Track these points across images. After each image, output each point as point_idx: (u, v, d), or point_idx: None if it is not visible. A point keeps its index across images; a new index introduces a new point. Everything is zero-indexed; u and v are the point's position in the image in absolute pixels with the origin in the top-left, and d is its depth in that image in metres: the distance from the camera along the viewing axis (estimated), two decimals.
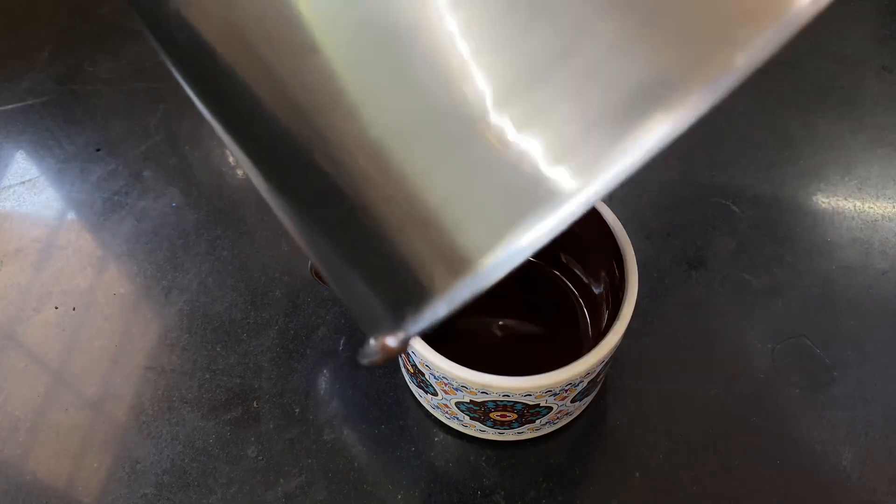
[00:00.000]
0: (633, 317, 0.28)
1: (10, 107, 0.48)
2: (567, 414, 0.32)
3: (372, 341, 0.16)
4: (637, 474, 0.32)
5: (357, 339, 0.37)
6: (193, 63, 0.17)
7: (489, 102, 0.13)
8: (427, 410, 0.34)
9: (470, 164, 0.13)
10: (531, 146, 0.12)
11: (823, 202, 0.42)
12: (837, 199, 0.42)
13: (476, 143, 0.13)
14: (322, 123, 0.14)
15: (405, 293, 0.15)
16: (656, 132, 0.12)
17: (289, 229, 0.19)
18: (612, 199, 0.32)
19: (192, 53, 0.16)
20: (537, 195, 0.12)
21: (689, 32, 0.12)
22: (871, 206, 0.41)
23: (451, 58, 0.13)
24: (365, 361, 0.17)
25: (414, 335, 0.15)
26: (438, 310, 0.14)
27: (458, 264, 0.13)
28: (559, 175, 0.12)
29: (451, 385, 0.28)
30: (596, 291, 0.34)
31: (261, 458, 0.33)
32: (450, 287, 0.13)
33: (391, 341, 0.15)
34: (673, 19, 0.12)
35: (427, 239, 0.14)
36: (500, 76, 0.13)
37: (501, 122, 0.13)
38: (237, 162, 0.19)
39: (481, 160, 0.13)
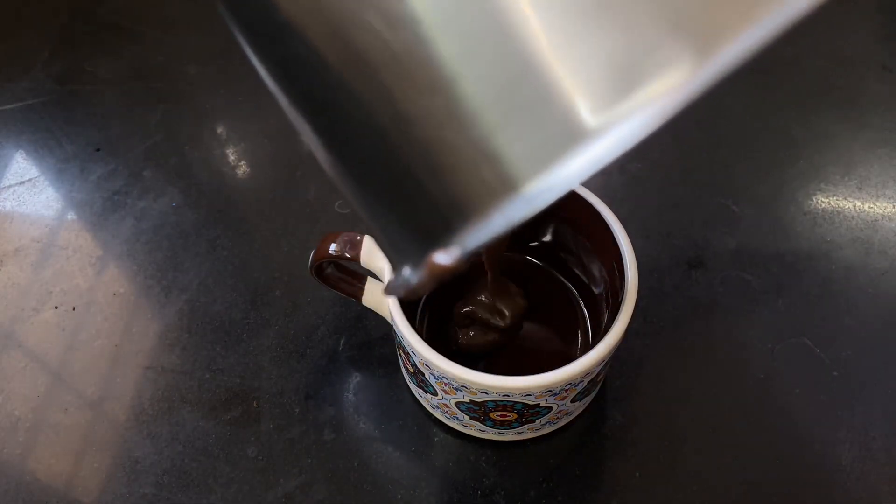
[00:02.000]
0: (633, 317, 0.28)
1: (10, 107, 0.48)
2: (567, 414, 0.32)
3: (407, 270, 0.15)
4: (637, 474, 0.32)
5: (357, 339, 0.37)
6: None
7: (537, 26, 0.12)
8: (427, 410, 0.34)
9: (516, 86, 0.12)
10: (579, 73, 0.12)
11: (823, 202, 0.42)
12: (837, 199, 0.42)
13: (523, 65, 0.12)
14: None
15: (450, 212, 0.14)
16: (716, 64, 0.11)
17: (318, 156, 0.17)
18: (612, 199, 0.32)
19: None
20: (583, 126, 0.12)
21: None
22: (871, 206, 0.41)
23: None
24: (399, 292, 0.16)
25: (468, 251, 0.13)
26: (495, 224, 0.13)
27: (508, 186, 0.13)
28: (606, 106, 0.12)
29: (451, 385, 0.28)
30: (596, 291, 0.34)
31: (261, 458, 0.33)
32: (502, 205, 0.13)
33: (442, 258, 0.14)
34: None
35: (474, 161, 0.13)
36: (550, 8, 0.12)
37: (549, 45, 0.12)
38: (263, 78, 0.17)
39: (528, 81, 0.12)
